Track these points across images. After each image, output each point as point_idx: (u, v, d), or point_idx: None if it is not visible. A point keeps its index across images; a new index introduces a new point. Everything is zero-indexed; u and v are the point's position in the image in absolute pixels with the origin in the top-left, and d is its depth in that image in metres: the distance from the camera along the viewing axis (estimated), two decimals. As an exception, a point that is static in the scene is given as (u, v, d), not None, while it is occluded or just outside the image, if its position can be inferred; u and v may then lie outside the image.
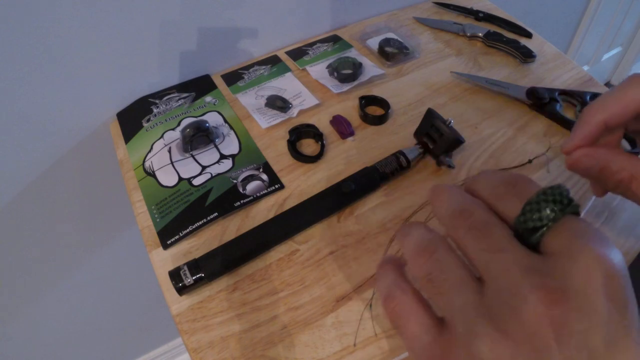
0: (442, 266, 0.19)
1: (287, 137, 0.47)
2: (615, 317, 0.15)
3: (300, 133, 0.47)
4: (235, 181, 0.44)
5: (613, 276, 0.16)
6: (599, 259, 0.16)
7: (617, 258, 0.16)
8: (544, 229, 0.18)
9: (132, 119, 0.51)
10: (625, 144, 0.46)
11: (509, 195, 0.20)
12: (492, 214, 0.19)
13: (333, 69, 0.55)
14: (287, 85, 0.54)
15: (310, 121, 0.49)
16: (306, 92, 0.53)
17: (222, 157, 0.46)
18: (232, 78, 0.56)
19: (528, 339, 0.15)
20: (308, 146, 0.48)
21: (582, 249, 0.16)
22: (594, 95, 0.50)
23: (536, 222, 0.18)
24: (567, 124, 0.48)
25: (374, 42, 0.60)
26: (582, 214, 0.18)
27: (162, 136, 0.48)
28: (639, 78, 0.28)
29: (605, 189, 0.31)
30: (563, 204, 0.18)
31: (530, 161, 0.45)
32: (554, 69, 0.56)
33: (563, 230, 0.17)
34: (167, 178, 0.44)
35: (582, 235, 0.17)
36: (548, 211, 0.18)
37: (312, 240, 0.39)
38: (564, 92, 0.51)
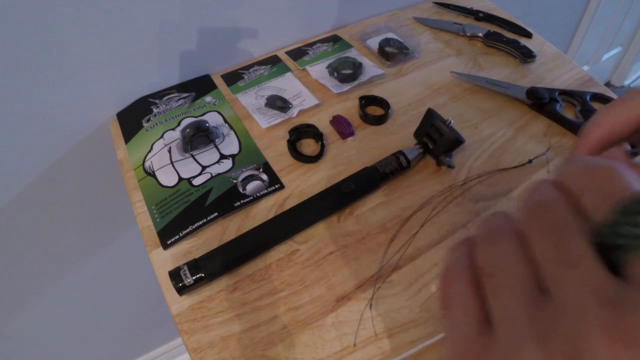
0: (504, 262, 0.17)
1: (287, 137, 0.47)
2: None
3: (300, 133, 0.47)
4: (235, 181, 0.44)
5: None
6: None
7: None
8: (637, 247, 0.14)
9: (132, 119, 0.51)
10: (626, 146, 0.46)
11: (600, 189, 0.16)
12: (574, 215, 0.16)
13: (333, 69, 0.55)
14: (287, 85, 0.54)
15: (310, 121, 0.49)
16: (306, 92, 0.53)
17: (222, 157, 0.46)
18: (232, 78, 0.56)
19: None
20: (308, 146, 0.48)
21: None
22: (594, 95, 0.50)
23: (629, 237, 0.14)
24: (567, 124, 0.48)
25: (374, 42, 0.60)
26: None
27: (162, 136, 0.48)
28: (638, 92, 0.28)
29: None
30: None
31: (530, 161, 0.45)
32: (554, 69, 0.56)
33: None
34: (167, 178, 0.44)
35: None
36: None
37: (312, 240, 0.39)
38: (564, 92, 0.51)
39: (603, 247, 0.15)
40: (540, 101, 0.49)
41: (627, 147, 0.44)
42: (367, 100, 0.51)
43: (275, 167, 0.45)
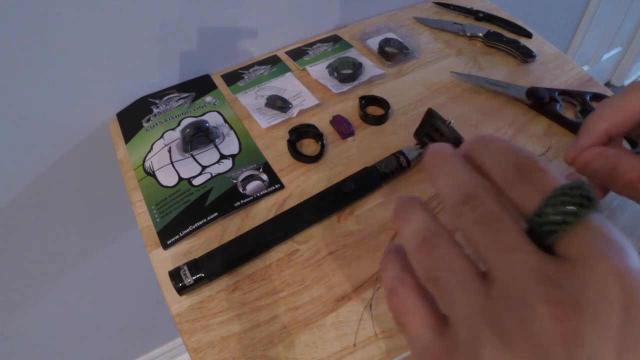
0: (444, 264, 0.18)
1: (287, 137, 0.47)
2: (630, 330, 0.15)
3: (300, 133, 0.47)
4: (235, 181, 0.44)
5: (631, 289, 0.15)
6: (617, 270, 0.15)
7: (635, 266, 0.15)
8: (563, 230, 0.16)
9: (132, 119, 0.51)
10: (626, 145, 0.46)
11: (525, 183, 0.18)
12: (503, 205, 0.18)
13: (333, 69, 0.55)
14: (287, 85, 0.54)
15: (310, 121, 0.49)
16: (306, 92, 0.53)
17: (222, 157, 0.46)
18: (232, 78, 0.56)
19: (536, 353, 0.15)
20: (308, 146, 0.48)
21: (601, 258, 0.15)
22: (594, 95, 0.50)
23: (556, 224, 0.16)
24: (567, 124, 0.48)
25: (374, 42, 0.60)
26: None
27: (162, 136, 0.48)
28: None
29: (611, 190, 0.31)
30: (585, 204, 0.16)
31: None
32: (554, 69, 0.56)
33: (582, 234, 0.16)
34: (167, 178, 0.44)
35: (602, 242, 0.16)
36: (570, 211, 0.16)
37: (312, 240, 0.39)
38: (564, 92, 0.51)
39: (532, 233, 0.17)
40: (540, 101, 0.49)
41: (627, 146, 0.44)
42: (367, 100, 0.51)
43: (275, 167, 0.45)
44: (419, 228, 0.19)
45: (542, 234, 0.17)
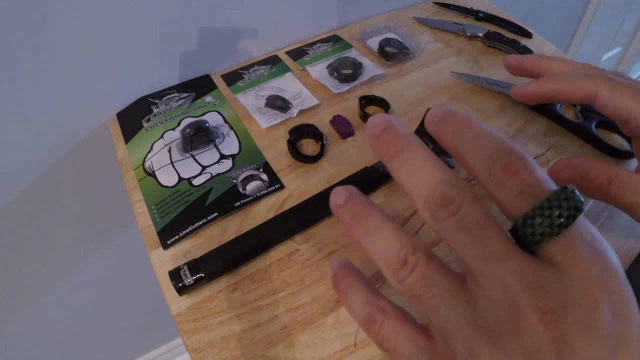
0: (427, 280, 0.17)
1: (287, 137, 0.47)
2: (616, 330, 0.15)
3: (300, 133, 0.47)
4: (235, 181, 0.44)
5: (614, 289, 0.15)
6: (601, 273, 0.15)
7: (618, 268, 0.16)
8: (550, 239, 0.16)
9: (132, 119, 0.51)
10: (624, 145, 0.46)
11: (512, 186, 0.17)
12: (484, 209, 0.17)
13: (333, 69, 0.55)
14: (287, 85, 0.54)
15: (310, 121, 0.49)
16: (306, 92, 0.53)
17: (222, 157, 0.46)
18: (232, 78, 0.56)
19: (529, 358, 0.15)
20: (308, 146, 0.48)
21: (584, 262, 0.16)
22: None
23: (544, 234, 0.16)
24: (567, 124, 0.48)
25: (374, 42, 0.60)
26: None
27: (162, 136, 0.48)
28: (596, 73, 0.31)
29: (585, 196, 0.32)
30: (576, 215, 0.16)
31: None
32: (554, 69, 0.56)
33: (566, 239, 0.16)
34: (167, 178, 0.44)
35: (585, 246, 0.16)
36: (560, 220, 0.16)
37: (312, 240, 0.39)
38: (564, 92, 0.51)
39: (514, 234, 0.17)
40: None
41: (627, 146, 0.44)
42: (367, 100, 0.51)
43: (275, 167, 0.45)
44: (392, 246, 0.18)
45: (526, 240, 0.16)
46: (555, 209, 0.16)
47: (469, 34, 0.61)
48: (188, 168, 0.45)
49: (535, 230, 0.16)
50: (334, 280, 0.21)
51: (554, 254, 0.16)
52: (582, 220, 0.16)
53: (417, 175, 0.18)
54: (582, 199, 0.16)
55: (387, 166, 0.19)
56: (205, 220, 0.40)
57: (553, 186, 0.17)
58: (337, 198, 0.20)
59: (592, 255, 0.16)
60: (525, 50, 0.57)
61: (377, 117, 0.19)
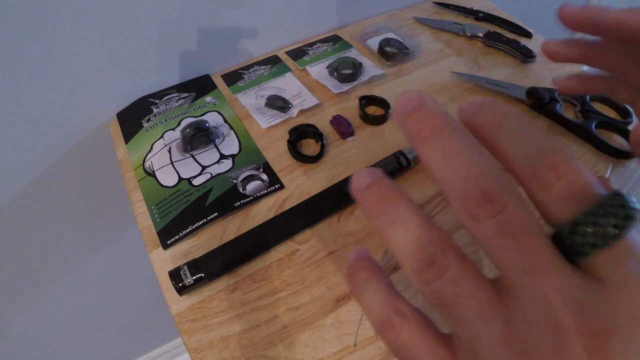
0: (460, 289, 0.15)
1: (287, 137, 0.47)
2: None
3: (300, 133, 0.47)
4: (235, 181, 0.44)
5: None
6: None
7: None
8: (598, 251, 0.14)
9: (132, 119, 0.51)
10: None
11: (558, 187, 0.14)
12: (531, 213, 0.15)
13: (333, 69, 0.55)
14: (287, 85, 0.54)
15: (310, 121, 0.49)
16: (306, 92, 0.53)
17: (222, 157, 0.46)
18: (232, 78, 0.56)
19: None
20: (308, 146, 0.48)
21: (634, 279, 0.14)
22: (594, 96, 0.50)
23: (592, 245, 0.14)
24: (567, 124, 0.48)
25: (374, 42, 0.60)
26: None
27: (162, 136, 0.48)
28: None
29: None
30: (629, 225, 0.14)
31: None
32: (554, 69, 0.56)
33: (615, 252, 0.14)
34: (167, 178, 0.44)
35: (634, 261, 0.14)
36: (615, 230, 0.14)
37: (312, 240, 0.39)
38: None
39: (558, 244, 0.15)
40: (541, 101, 0.49)
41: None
42: (367, 100, 0.51)
43: (275, 167, 0.45)
44: (419, 240, 0.15)
45: (571, 250, 0.14)
46: (610, 217, 0.14)
47: (469, 34, 0.61)
48: (188, 168, 0.45)
49: (587, 240, 0.14)
50: (348, 272, 0.19)
51: (601, 268, 0.14)
52: (634, 233, 0.14)
53: (455, 163, 0.15)
54: (638, 206, 0.14)
55: (418, 151, 0.16)
56: (205, 220, 0.40)
57: (601, 189, 0.14)
58: (359, 180, 0.17)
59: None
60: (525, 50, 0.57)
61: (409, 92, 0.16)
